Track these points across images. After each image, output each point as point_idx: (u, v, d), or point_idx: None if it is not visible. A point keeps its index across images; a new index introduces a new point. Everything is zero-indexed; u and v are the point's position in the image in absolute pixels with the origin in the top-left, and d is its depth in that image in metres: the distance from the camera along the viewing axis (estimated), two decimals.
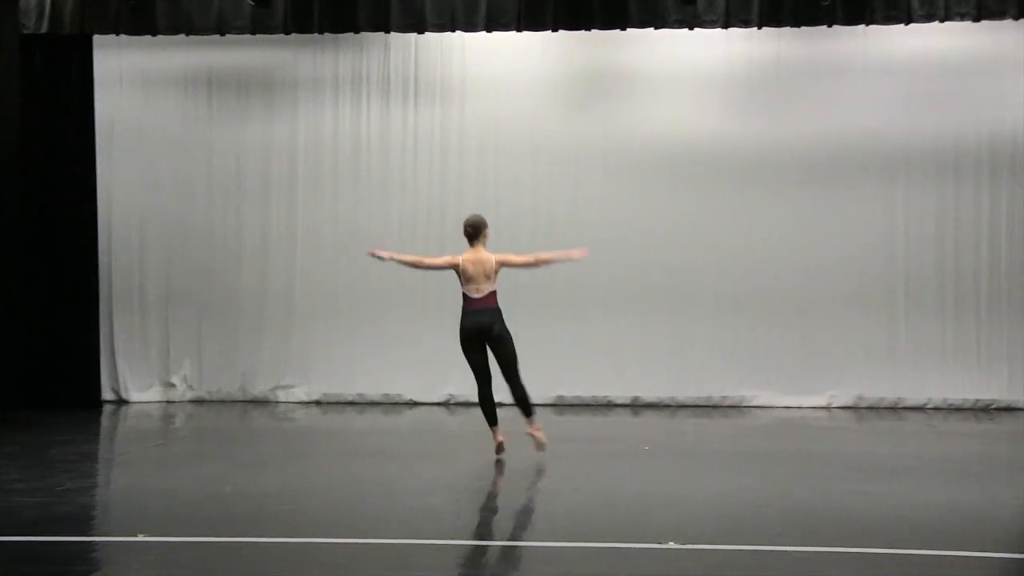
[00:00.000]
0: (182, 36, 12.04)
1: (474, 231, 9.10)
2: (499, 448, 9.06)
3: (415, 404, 13.00)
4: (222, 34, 11.78)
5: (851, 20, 11.17)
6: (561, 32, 11.69)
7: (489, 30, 11.49)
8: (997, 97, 12.62)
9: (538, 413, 9.27)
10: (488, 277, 8.96)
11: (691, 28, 11.33)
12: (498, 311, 9.00)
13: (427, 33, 11.88)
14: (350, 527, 6.83)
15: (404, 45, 13.09)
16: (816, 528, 6.86)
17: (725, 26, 11.31)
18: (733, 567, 6.00)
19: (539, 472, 8.81)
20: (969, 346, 12.71)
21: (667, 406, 12.72)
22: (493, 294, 9.00)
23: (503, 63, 13.01)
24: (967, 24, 11.37)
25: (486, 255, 9.02)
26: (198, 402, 13.16)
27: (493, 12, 11.37)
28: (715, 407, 12.75)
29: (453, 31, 11.68)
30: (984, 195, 12.73)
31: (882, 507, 7.48)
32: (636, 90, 12.96)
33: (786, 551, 6.23)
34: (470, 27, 11.50)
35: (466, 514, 7.22)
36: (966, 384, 12.68)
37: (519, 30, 11.52)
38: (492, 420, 9.10)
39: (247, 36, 11.92)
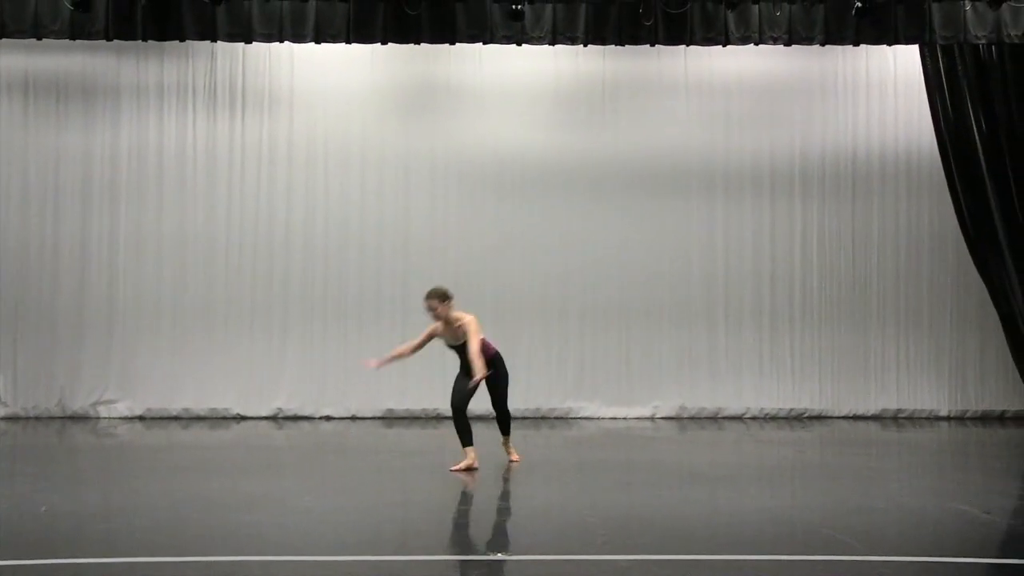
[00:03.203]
0: None
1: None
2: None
3: (242, 418, 12.81)
4: (39, 38, 11.35)
5: (672, 40, 11.50)
6: (391, 45, 11.71)
7: (318, 41, 11.41)
8: (807, 117, 13.26)
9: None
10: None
11: (519, 44, 11.49)
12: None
13: (255, 43, 11.72)
14: (173, 545, 6.69)
15: (231, 54, 12.95)
16: (639, 536, 7.03)
17: (552, 42, 11.50)
18: None
19: (368, 486, 8.79)
20: (784, 357, 13.25)
21: (495, 418, 12.81)
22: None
23: (332, 74, 12.98)
24: (779, 48, 11.84)
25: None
26: (12, 419, 12.69)
27: (322, 23, 11.29)
28: (543, 419, 12.95)
29: (281, 41, 11.56)
30: (796, 210, 13.30)
31: (703, 514, 7.73)
32: (465, 103, 13.10)
33: (610, 560, 6.37)
34: (298, 38, 11.39)
35: (292, 529, 7.15)
36: (781, 394, 13.22)
37: (348, 42, 11.47)
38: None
39: (67, 41, 11.52)
